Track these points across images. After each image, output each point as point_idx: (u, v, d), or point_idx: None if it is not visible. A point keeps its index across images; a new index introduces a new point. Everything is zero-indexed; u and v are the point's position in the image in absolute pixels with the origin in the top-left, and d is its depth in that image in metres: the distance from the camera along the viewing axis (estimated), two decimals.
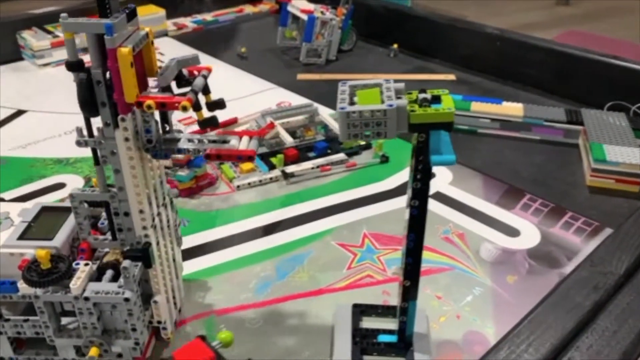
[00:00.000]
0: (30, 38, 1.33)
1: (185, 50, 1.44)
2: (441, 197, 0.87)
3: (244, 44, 1.44)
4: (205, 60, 1.38)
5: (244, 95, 1.20)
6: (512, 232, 0.79)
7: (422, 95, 0.46)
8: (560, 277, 0.71)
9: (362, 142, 0.98)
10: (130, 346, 0.55)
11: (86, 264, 0.55)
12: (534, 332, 0.51)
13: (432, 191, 0.88)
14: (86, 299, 0.53)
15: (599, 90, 1.13)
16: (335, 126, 0.97)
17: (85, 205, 0.56)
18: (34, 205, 0.60)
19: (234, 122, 1.03)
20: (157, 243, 0.57)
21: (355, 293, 0.68)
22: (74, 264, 0.54)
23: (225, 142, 0.54)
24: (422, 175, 0.48)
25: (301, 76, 1.30)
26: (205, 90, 0.54)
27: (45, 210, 0.60)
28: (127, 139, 0.51)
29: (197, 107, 0.51)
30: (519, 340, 0.50)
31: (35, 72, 1.32)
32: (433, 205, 0.85)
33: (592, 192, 0.89)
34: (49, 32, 1.36)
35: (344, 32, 1.38)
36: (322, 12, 1.33)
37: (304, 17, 1.33)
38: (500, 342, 0.52)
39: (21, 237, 0.57)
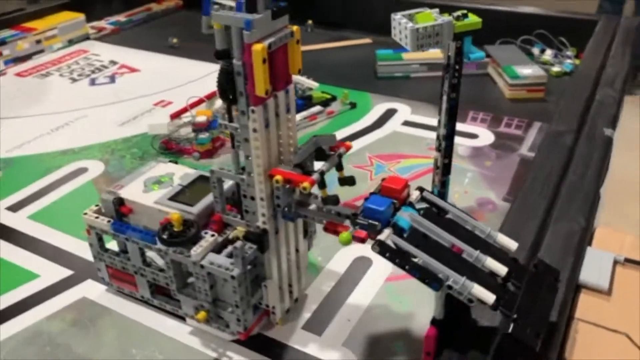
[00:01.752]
0: None
1: (117, 50, 1.50)
2: (411, 124, 1.08)
3: (173, 36, 1.54)
4: (141, 56, 1.46)
5: (200, 77, 1.32)
6: (473, 136, 1.03)
7: (455, 14, 0.66)
8: (520, 157, 0.96)
9: (335, 98, 1.16)
10: (233, 320, 0.60)
11: (212, 235, 0.59)
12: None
13: (401, 121, 1.10)
14: (202, 266, 0.57)
15: (488, 31, 1.42)
16: (310, 84, 1.14)
17: (225, 182, 0.59)
18: (195, 172, 0.66)
19: (202, 101, 1.15)
20: (277, 232, 0.59)
21: None
22: (202, 233, 0.59)
23: (341, 215, 0.56)
24: (458, 73, 0.69)
25: None
26: (339, 167, 0.58)
27: (201, 178, 0.65)
28: (255, 130, 0.52)
29: (322, 186, 0.55)
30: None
31: None
32: (409, 130, 1.06)
33: (512, 102, 1.16)
34: None
35: None
36: None
37: (232, 3, 1.46)
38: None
39: (172, 198, 0.62)
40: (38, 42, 1.46)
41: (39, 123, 1.12)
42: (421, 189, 0.53)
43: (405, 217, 0.49)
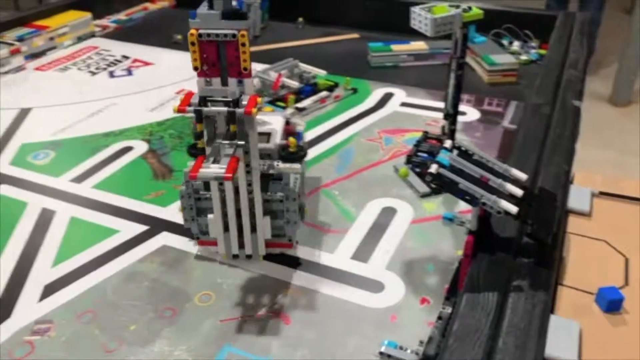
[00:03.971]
0: None
1: (125, 46, 1.62)
2: (408, 105, 1.26)
3: (178, 32, 1.66)
4: (150, 51, 1.58)
5: None
6: (462, 113, 1.21)
7: (462, 6, 0.83)
8: (503, 129, 1.14)
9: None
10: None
11: None
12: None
13: (399, 102, 1.27)
14: None
15: None
16: (318, 71, 1.30)
17: None
18: None
19: None
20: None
21: (399, 159, 1.04)
22: None
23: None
24: (463, 53, 0.86)
25: None
26: None
27: None
28: None
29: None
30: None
31: None
32: (407, 109, 1.23)
33: (490, 86, 1.35)
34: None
35: (262, 12, 1.69)
36: None
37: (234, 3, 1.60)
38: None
39: None
40: (51, 39, 1.56)
41: (72, 110, 1.23)
42: (453, 140, 0.70)
43: (445, 157, 0.66)
